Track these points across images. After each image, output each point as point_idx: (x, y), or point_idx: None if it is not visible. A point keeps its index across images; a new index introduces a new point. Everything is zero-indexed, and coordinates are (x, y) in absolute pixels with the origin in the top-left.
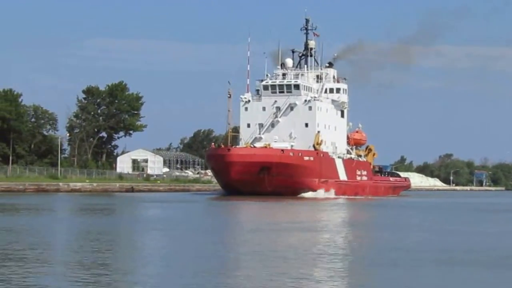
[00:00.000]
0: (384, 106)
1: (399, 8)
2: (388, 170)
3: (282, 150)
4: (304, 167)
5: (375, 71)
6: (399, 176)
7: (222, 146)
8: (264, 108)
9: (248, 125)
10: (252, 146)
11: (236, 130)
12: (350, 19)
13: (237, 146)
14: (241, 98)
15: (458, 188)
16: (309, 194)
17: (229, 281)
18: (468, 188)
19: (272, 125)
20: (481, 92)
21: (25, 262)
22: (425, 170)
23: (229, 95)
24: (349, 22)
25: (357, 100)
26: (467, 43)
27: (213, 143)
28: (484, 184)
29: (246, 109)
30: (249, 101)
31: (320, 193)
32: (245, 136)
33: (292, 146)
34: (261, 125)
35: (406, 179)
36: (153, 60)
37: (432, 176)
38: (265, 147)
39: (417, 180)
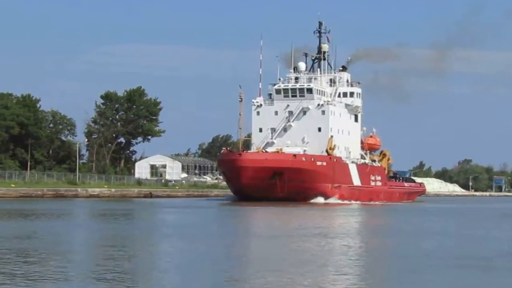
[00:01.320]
0: (402, 111)
1: (413, 13)
2: (407, 176)
3: (295, 155)
4: (317, 172)
5: (402, 77)
6: (414, 181)
7: (233, 150)
8: (276, 113)
9: (260, 130)
10: (264, 151)
11: (249, 135)
12: (364, 22)
13: (248, 151)
14: (253, 102)
15: (477, 193)
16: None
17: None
18: (487, 193)
19: (285, 129)
20: (501, 97)
21: (46, 267)
22: (444, 175)
23: (240, 99)
24: (363, 25)
25: (374, 105)
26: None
27: (224, 148)
28: (503, 189)
29: (258, 113)
30: (261, 105)
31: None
32: (257, 141)
33: (305, 151)
34: (273, 130)
35: (421, 184)
36: (172, 65)
37: (451, 181)
38: (277, 152)
39: (436, 185)
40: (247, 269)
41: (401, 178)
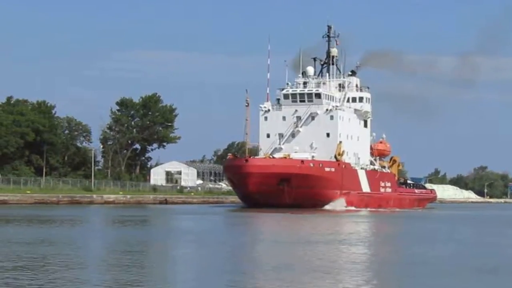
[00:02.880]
0: (417, 117)
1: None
2: (422, 183)
3: (302, 161)
4: (325, 178)
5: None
6: (424, 188)
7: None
8: (284, 118)
9: (268, 135)
10: (271, 156)
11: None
12: (374, 27)
13: (255, 157)
14: (261, 107)
15: (492, 200)
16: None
17: None
18: (502, 200)
19: (293, 135)
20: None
21: (62, 272)
22: (459, 182)
23: (247, 104)
24: (372, 30)
25: (387, 111)
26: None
27: (231, 154)
28: None
29: (265, 118)
30: (268, 110)
31: (337, 204)
32: (264, 147)
33: (313, 156)
34: (281, 135)
35: (432, 191)
36: (187, 72)
37: (466, 188)
38: (285, 157)
39: (451, 192)
40: (258, 276)
41: (411, 185)
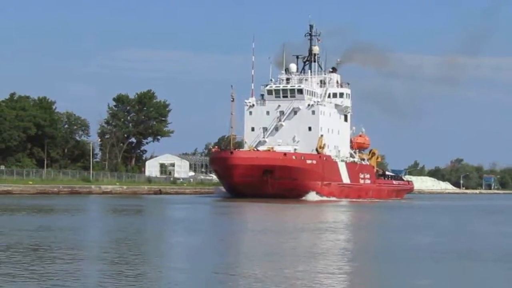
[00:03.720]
0: (398, 113)
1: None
2: (402, 174)
3: (285, 154)
4: (307, 170)
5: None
6: (402, 179)
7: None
8: (268, 112)
9: (252, 129)
10: (255, 149)
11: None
12: (354, 24)
13: (240, 150)
14: (246, 102)
15: (468, 191)
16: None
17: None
18: (477, 191)
19: (276, 129)
20: (493, 101)
21: (62, 257)
22: (436, 174)
23: (232, 99)
24: (353, 27)
25: (369, 106)
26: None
27: (217, 146)
28: (492, 187)
29: (250, 113)
30: (253, 105)
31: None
32: (249, 140)
33: (295, 149)
34: (265, 129)
35: (409, 182)
36: (180, 70)
37: (444, 180)
38: (268, 150)
39: (429, 183)
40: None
41: (390, 176)
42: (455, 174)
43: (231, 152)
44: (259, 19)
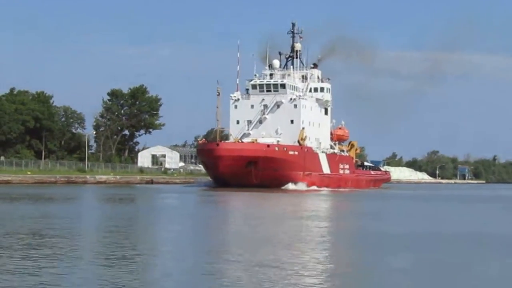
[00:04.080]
0: (378, 107)
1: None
2: (381, 165)
3: (268, 145)
4: (289, 161)
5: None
6: (380, 170)
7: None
8: (252, 106)
9: (238, 122)
10: (240, 141)
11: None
12: (339, 19)
13: (225, 141)
14: (231, 96)
15: (443, 181)
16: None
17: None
18: (452, 181)
19: (260, 121)
20: (464, 95)
21: (59, 243)
22: (414, 165)
23: (217, 93)
24: (333, 25)
25: (351, 99)
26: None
27: (204, 139)
28: (466, 177)
29: (235, 106)
30: (238, 99)
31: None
32: (234, 132)
33: (278, 141)
34: (249, 122)
35: (386, 172)
36: (171, 66)
37: (420, 170)
38: (252, 142)
39: (407, 174)
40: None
41: (368, 167)
42: (431, 165)
43: (217, 144)
44: (245, 18)
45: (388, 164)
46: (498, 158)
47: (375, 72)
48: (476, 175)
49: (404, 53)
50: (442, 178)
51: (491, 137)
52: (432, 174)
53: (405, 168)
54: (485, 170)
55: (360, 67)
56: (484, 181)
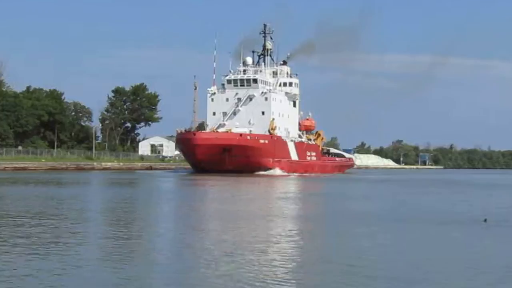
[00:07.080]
0: (348, 100)
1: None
2: (351, 153)
3: (241, 134)
4: (260, 148)
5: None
6: (344, 156)
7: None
8: (227, 99)
9: (214, 113)
10: (216, 131)
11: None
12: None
13: (202, 131)
14: (208, 90)
15: (406, 167)
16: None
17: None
18: (414, 167)
19: (234, 113)
20: (428, 92)
21: (68, 221)
22: (380, 152)
23: (195, 87)
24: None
25: (323, 92)
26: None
27: (183, 128)
28: (427, 163)
29: (212, 100)
30: (214, 93)
31: (276, 171)
32: (211, 123)
33: (250, 131)
34: (224, 114)
35: (350, 159)
36: (166, 66)
37: (386, 157)
38: (227, 132)
39: (374, 160)
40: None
41: (333, 154)
42: (396, 152)
43: (194, 134)
44: (222, 18)
45: (358, 152)
46: (455, 146)
47: (352, 71)
48: (435, 161)
49: (385, 56)
50: (405, 164)
51: (448, 128)
52: (397, 161)
53: (372, 156)
54: (443, 157)
55: (337, 65)
56: (442, 167)
